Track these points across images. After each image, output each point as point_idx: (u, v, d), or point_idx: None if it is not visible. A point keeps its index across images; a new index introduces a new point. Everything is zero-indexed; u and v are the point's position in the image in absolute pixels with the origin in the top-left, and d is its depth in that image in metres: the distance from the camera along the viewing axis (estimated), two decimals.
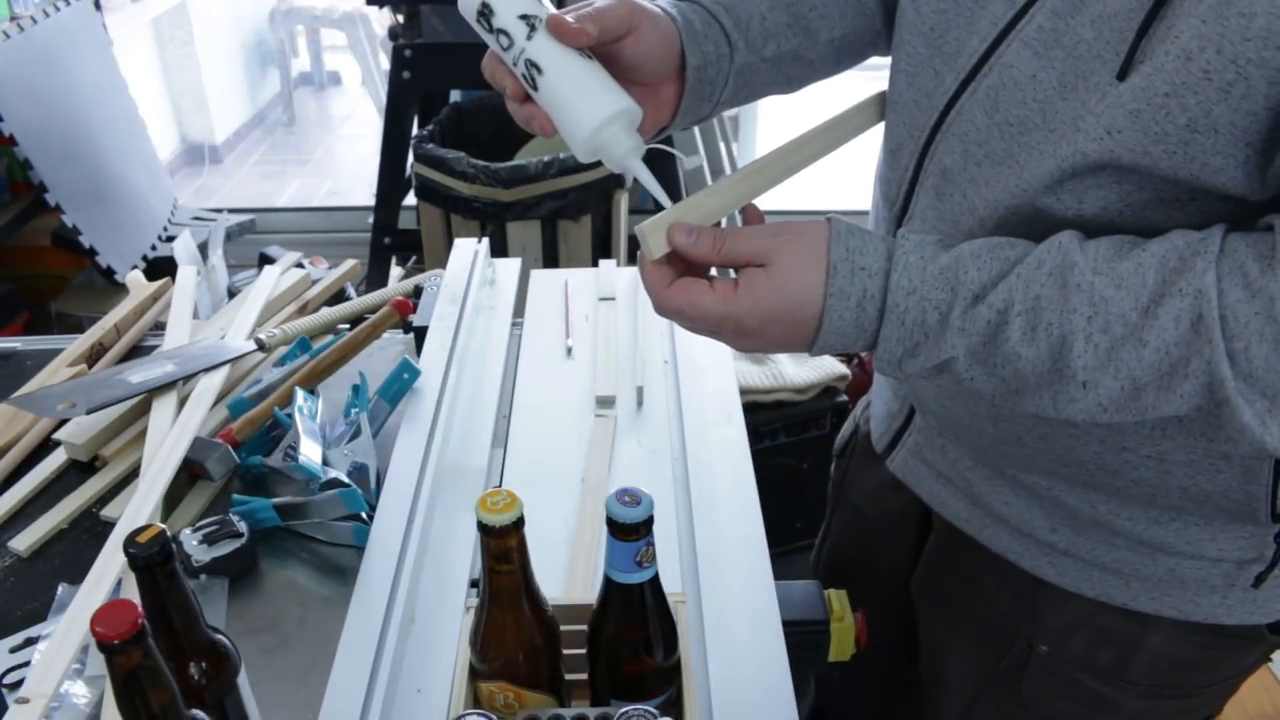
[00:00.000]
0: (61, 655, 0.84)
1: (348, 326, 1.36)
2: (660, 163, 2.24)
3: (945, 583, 0.96)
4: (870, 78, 0.83)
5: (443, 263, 1.41)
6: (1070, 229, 0.62)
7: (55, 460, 1.14)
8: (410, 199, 2.32)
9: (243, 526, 1.00)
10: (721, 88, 0.78)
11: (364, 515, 1.00)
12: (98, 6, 2.56)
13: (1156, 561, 0.76)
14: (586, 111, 0.64)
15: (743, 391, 1.24)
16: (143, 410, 1.17)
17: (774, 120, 3.15)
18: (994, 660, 0.90)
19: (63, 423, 1.16)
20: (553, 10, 0.65)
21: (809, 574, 1.13)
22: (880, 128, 0.82)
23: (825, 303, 0.63)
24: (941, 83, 0.71)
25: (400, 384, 1.14)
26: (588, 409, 1.17)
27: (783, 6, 0.79)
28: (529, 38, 0.64)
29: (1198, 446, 0.68)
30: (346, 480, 1.02)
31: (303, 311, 1.42)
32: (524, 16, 0.64)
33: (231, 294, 1.75)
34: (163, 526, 0.65)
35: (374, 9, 2.43)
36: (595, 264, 1.49)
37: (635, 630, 0.70)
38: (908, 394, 0.88)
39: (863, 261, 0.63)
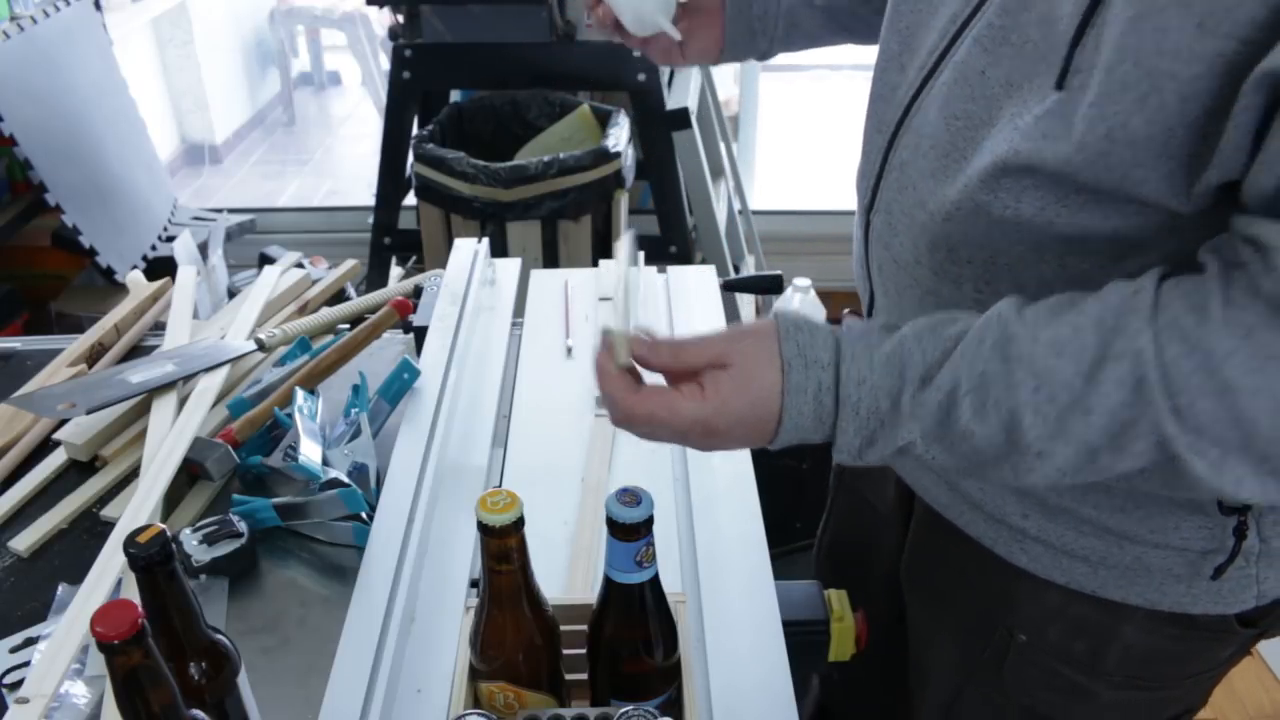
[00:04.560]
0: (61, 655, 0.84)
1: (348, 326, 1.36)
2: (664, 164, 2.25)
3: (930, 571, 0.97)
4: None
5: (443, 263, 1.41)
6: (1013, 292, 0.64)
7: (55, 460, 1.14)
8: (410, 199, 2.32)
9: (243, 526, 1.00)
10: (773, 26, 0.93)
11: (364, 515, 1.00)
12: (98, 6, 2.55)
13: (1123, 550, 0.77)
14: None
15: None
16: (143, 410, 1.17)
17: (774, 121, 3.15)
18: (977, 649, 0.91)
19: (63, 423, 1.16)
20: None
21: (809, 574, 1.13)
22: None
23: (784, 399, 0.63)
24: (906, 78, 0.74)
25: (400, 384, 1.14)
26: (588, 409, 1.17)
27: None
28: None
29: None
30: (346, 480, 1.02)
31: (303, 311, 1.42)
32: None
33: (231, 294, 1.75)
34: (163, 526, 0.65)
35: (374, 9, 2.42)
36: (595, 264, 1.49)
37: (635, 630, 0.70)
38: None
39: (814, 355, 0.63)
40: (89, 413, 1.11)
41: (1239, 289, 0.56)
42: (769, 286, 1.85)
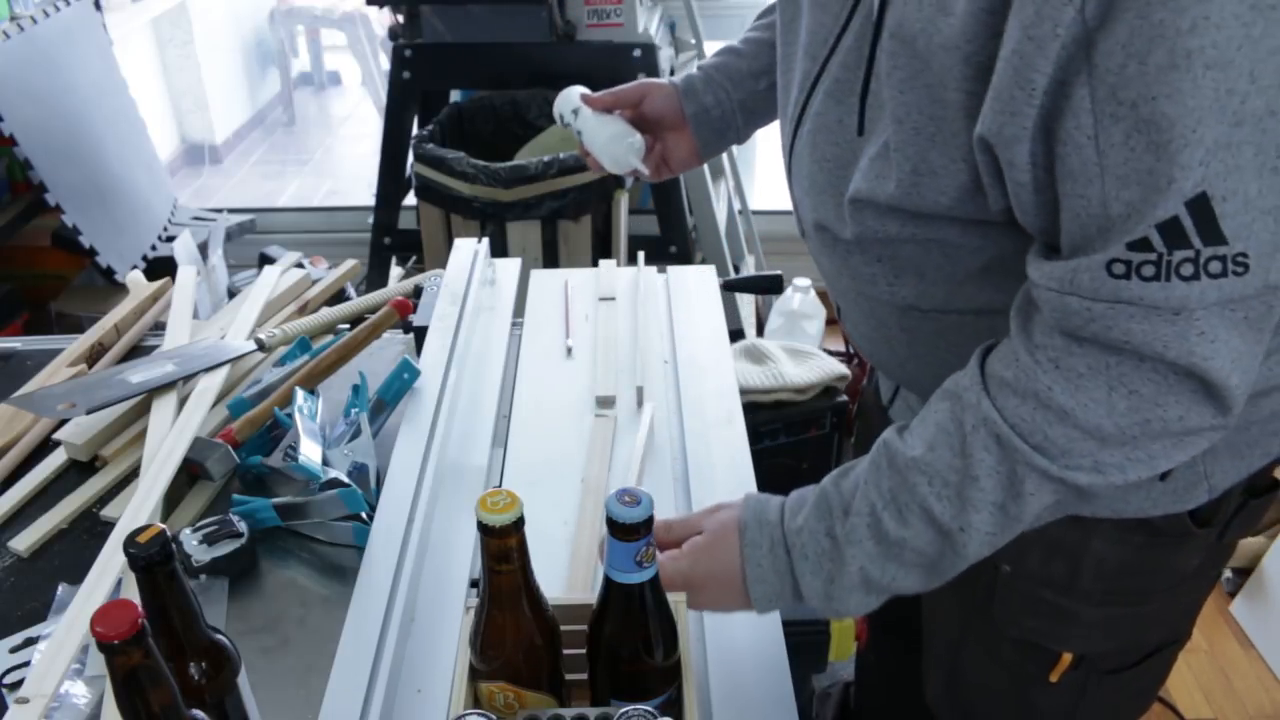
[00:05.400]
0: (61, 655, 0.84)
1: (348, 326, 1.36)
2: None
3: None
4: None
5: (443, 263, 1.41)
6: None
7: (55, 460, 1.14)
8: (410, 199, 2.32)
9: (243, 526, 1.00)
10: (734, 119, 1.08)
11: (364, 515, 1.00)
12: (98, 6, 2.55)
13: None
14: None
15: (743, 391, 1.24)
16: (143, 410, 1.17)
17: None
18: (970, 591, 0.96)
19: (63, 423, 1.16)
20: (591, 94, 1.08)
21: None
22: None
23: (743, 552, 0.77)
24: (788, 126, 0.86)
25: (400, 384, 1.14)
26: (588, 409, 1.17)
27: (766, 51, 1.04)
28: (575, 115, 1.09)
29: None
30: (346, 480, 1.02)
31: (303, 311, 1.42)
32: (575, 110, 1.09)
33: (231, 294, 1.75)
34: (163, 526, 0.65)
35: (374, 9, 2.42)
36: (595, 264, 1.49)
37: (635, 630, 0.70)
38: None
39: (764, 517, 0.78)
40: (89, 413, 1.11)
41: (1039, 329, 0.67)
42: (769, 286, 1.85)
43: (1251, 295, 0.61)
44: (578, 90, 1.10)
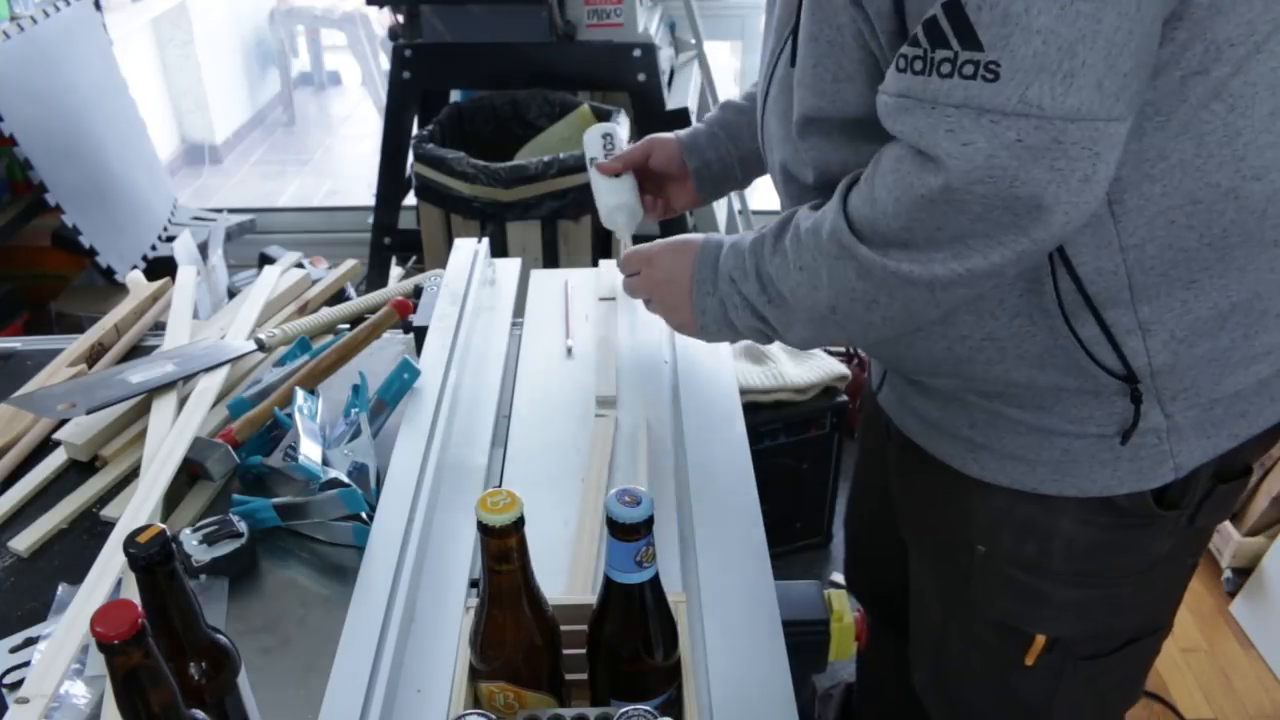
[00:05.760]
0: (61, 655, 0.84)
1: (348, 326, 1.36)
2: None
3: (909, 501, 1.05)
4: None
5: (443, 263, 1.41)
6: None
7: (55, 460, 1.14)
8: (410, 199, 2.32)
9: (243, 526, 1.00)
10: (735, 171, 1.18)
11: (364, 515, 1.00)
12: (98, 6, 2.56)
13: (1053, 444, 0.87)
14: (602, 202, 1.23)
15: (743, 391, 1.24)
16: (143, 410, 1.17)
17: None
18: (950, 572, 0.99)
19: (63, 423, 1.16)
20: (602, 160, 1.22)
21: (809, 574, 1.14)
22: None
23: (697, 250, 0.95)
24: (760, 101, 0.94)
25: (400, 384, 1.14)
26: (588, 409, 1.17)
27: None
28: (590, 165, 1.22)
29: (1013, 324, 0.81)
30: (346, 480, 1.02)
31: (303, 311, 1.42)
32: (593, 159, 1.23)
33: (231, 294, 1.75)
34: (163, 526, 0.65)
35: (374, 9, 2.43)
36: (595, 264, 1.49)
37: (635, 630, 0.70)
38: None
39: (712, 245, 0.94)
40: (89, 413, 1.11)
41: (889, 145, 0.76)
42: None
43: (1013, 111, 0.64)
44: (600, 142, 1.23)
